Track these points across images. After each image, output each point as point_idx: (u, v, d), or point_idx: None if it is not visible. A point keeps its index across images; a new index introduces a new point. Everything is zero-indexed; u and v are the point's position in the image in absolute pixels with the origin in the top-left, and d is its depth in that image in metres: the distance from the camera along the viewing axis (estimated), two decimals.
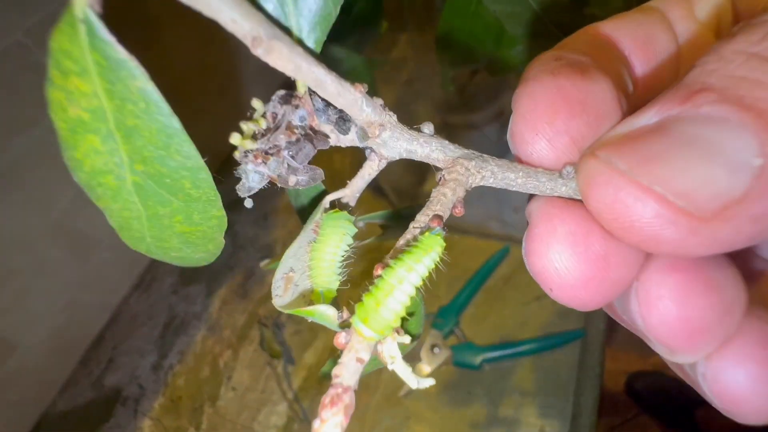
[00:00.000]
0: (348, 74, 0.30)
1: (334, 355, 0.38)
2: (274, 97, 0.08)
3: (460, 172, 0.09)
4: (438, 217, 0.09)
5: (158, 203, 0.08)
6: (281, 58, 0.07)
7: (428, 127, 0.09)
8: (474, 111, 0.42)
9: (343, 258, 0.09)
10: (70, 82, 0.06)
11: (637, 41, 0.10)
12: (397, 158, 0.09)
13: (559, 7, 0.20)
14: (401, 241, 0.09)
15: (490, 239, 0.43)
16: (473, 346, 0.36)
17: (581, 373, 0.33)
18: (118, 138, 0.07)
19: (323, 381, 0.40)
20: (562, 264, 0.08)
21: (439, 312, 0.39)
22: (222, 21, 0.07)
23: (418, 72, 0.53)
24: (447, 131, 0.50)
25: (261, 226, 0.58)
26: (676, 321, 0.07)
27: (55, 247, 0.50)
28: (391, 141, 0.08)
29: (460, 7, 0.23)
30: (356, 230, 0.10)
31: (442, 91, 0.44)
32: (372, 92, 0.31)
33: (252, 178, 0.08)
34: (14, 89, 0.45)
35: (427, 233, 0.08)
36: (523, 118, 0.08)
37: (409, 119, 0.43)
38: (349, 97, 0.08)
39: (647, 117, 0.06)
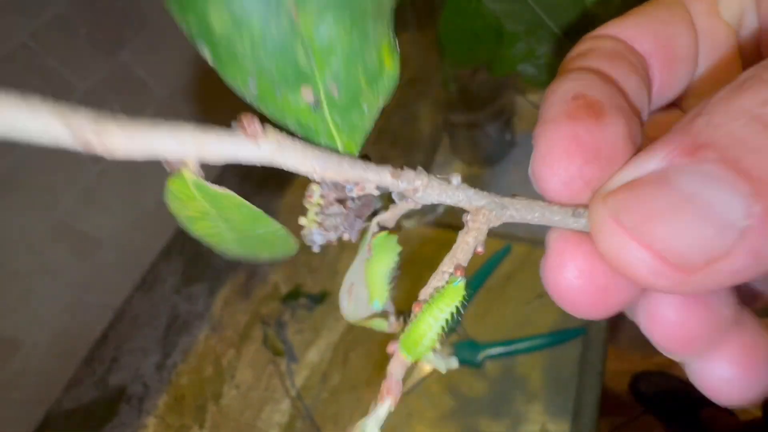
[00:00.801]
0: None
1: (335, 353, 0.39)
2: (325, 190, 0.10)
3: (482, 221, 0.10)
4: (460, 267, 0.10)
5: (248, 248, 0.09)
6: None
7: (456, 179, 0.10)
8: (475, 110, 0.43)
9: (392, 273, 0.12)
10: (184, 199, 0.07)
11: (658, 44, 0.10)
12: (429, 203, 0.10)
13: (559, 5, 0.20)
14: (429, 288, 0.10)
15: (491, 237, 0.43)
16: (475, 344, 0.36)
17: (583, 370, 0.33)
18: (221, 222, 0.09)
19: (326, 379, 0.41)
20: (571, 291, 0.09)
21: None
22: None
23: (420, 72, 0.53)
24: (449, 130, 0.50)
25: None
26: (674, 333, 0.08)
27: (59, 249, 0.50)
28: (424, 195, 0.09)
29: (460, 6, 0.23)
30: (401, 249, 0.12)
31: (444, 91, 0.45)
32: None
33: (316, 238, 0.10)
34: (19, 92, 0.45)
35: (450, 283, 0.10)
36: (543, 160, 0.08)
37: (412, 119, 0.43)
38: (388, 181, 0.08)
39: (654, 162, 0.07)
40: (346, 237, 0.10)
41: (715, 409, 0.94)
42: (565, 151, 0.08)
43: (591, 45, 0.10)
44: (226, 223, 0.10)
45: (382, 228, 0.11)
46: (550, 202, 0.09)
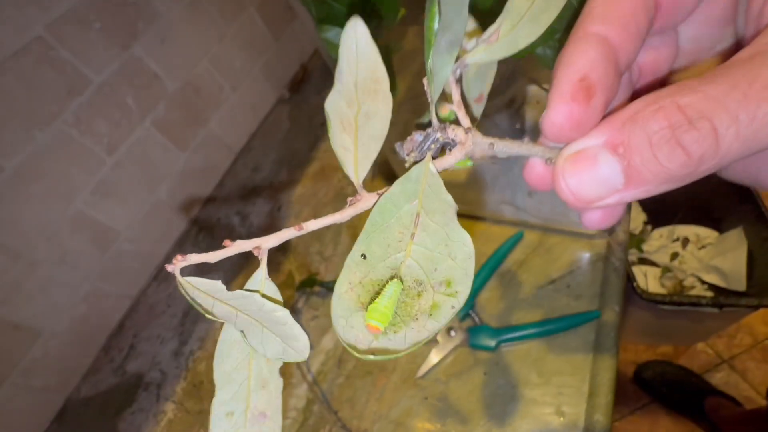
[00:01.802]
0: None
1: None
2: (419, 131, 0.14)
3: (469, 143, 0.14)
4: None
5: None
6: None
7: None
8: (489, 99, 0.43)
9: None
10: None
11: None
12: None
13: None
14: None
15: (503, 225, 0.43)
16: (488, 329, 0.37)
17: (597, 353, 0.34)
18: None
19: (341, 365, 0.41)
20: (537, 181, 0.15)
21: None
22: None
23: None
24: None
25: (275, 216, 0.59)
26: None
27: (77, 239, 0.51)
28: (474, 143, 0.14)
29: None
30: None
31: None
32: (391, 78, 0.32)
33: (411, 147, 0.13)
34: (35, 84, 0.46)
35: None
36: (550, 121, 0.12)
37: (421, 109, 0.43)
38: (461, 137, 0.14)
39: (593, 140, 0.11)
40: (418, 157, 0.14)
41: (720, 398, 0.95)
42: (562, 119, 0.12)
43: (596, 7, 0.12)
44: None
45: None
46: (534, 144, 0.14)
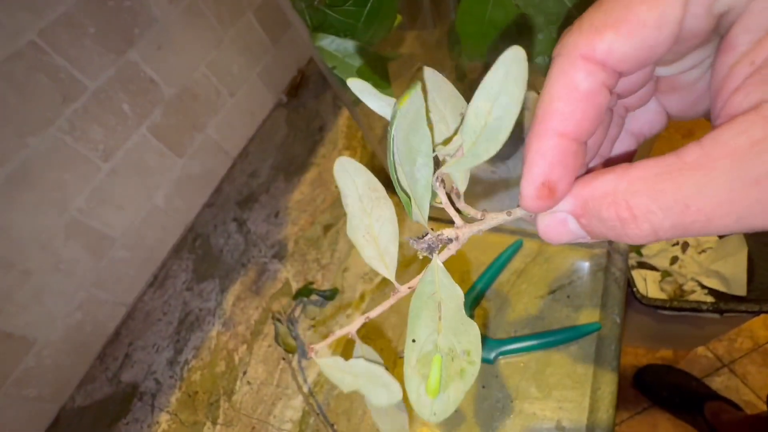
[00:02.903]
0: (362, 69, 0.30)
1: (346, 350, 0.39)
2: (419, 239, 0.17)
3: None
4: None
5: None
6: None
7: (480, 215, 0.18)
8: None
9: None
10: None
11: (633, 60, 0.13)
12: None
13: None
14: None
15: (502, 233, 0.43)
16: (488, 340, 0.36)
17: (598, 366, 0.33)
18: None
19: None
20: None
21: None
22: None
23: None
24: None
25: (273, 223, 0.59)
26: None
27: (72, 246, 0.51)
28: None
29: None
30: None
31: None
32: (388, 86, 0.31)
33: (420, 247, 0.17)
34: (28, 90, 0.45)
35: None
36: (526, 207, 0.15)
37: None
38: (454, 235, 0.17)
39: (561, 206, 0.14)
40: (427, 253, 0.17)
41: (720, 402, 0.94)
42: (535, 209, 0.14)
43: (571, 81, 0.13)
44: None
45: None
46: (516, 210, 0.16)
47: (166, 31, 0.57)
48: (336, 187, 0.61)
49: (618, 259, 0.38)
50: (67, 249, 0.51)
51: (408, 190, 0.16)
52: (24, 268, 0.47)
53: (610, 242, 0.39)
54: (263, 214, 0.61)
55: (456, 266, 0.43)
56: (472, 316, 0.38)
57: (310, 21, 0.28)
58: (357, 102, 0.34)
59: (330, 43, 0.28)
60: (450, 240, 0.17)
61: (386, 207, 0.18)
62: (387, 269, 0.18)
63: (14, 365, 0.48)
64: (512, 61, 0.13)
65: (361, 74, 0.29)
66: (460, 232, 0.17)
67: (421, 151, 0.15)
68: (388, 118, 0.15)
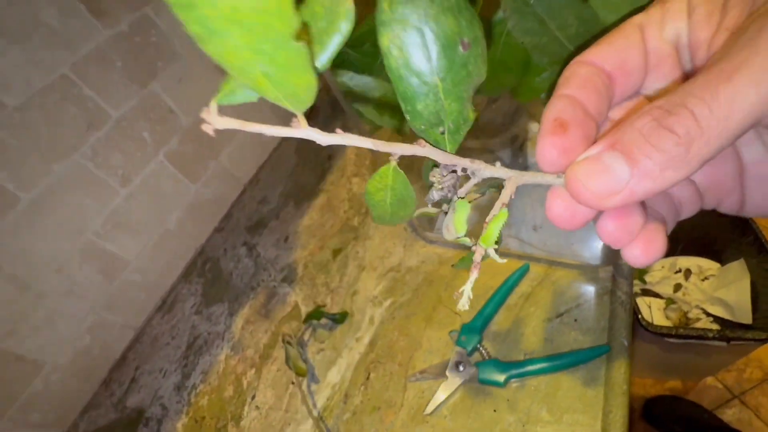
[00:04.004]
0: (380, 101, 0.32)
1: (356, 373, 0.39)
2: (443, 170, 0.18)
3: (510, 183, 0.17)
4: (504, 204, 0.17)
5: (393, 211, 0.19)
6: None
7: (498, 164, 0.18)
8: (490, 136, 0.45)
9: (467, 218, 0.18)
10: (379, 178, 0.17)
11: (617, 65, 0.16)
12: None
13: (583, 36, 0.22)
14: (492, 213, 0.17)
15: (509, 257, 0.44)
16: (498, 363, 0.36)
17: (608, 389, 0.33)
18: (389, 191, 0.18)
19: (347, 400, 0.41)
20: (558, 215, 0.17)
21: (463, 330, 0.39)
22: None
23: None
24: (464, 154, 0.52)
25: (282, 247, 0.60)
26: (611, 234, 0.16)
27: (87, 270, 0.52)
28: (482, 172, 0.18)
29: (491, 38, 0.26)
30: (470, 206, 0.19)
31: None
32: (400, 117, 0.34)
33: (435, 196, 0.18)
34: (58, 119, 0.48)
35: (501, 212, 0.17)
36: (541, 154, 0.15)
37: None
38: (467, 164, 0.18)
39: (596, 148, 0.14)
40: (449, 196, 0.18)
41: None
42: (549, 149, 0.15)
43: (572, 71, 0.16)
44: (391, 191, 0.18)
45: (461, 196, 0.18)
46: (545, 173, 0.16)
47: (186, 64, 0.60)
48: (344, 212, 0.62)
49: (623, 283, 0.39)
50: (82, 272, 0.52)
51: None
52: (39, 291, 0.48)
53: (615, 265, 0.40)
54: (273, 239, 0.62)
55: None
56: (481, 340, 0.39)
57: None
58: (373, 131, 0.36)
59: (350, 78, 0.31)
60: (467, 175, 0.18)
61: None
62: None
63: (23, 389, 0.48)
64: None
65: (377, 107, 0.32)
66: (477, 166, 0.17)
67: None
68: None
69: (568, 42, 0.21)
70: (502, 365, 0.36)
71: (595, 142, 0.14)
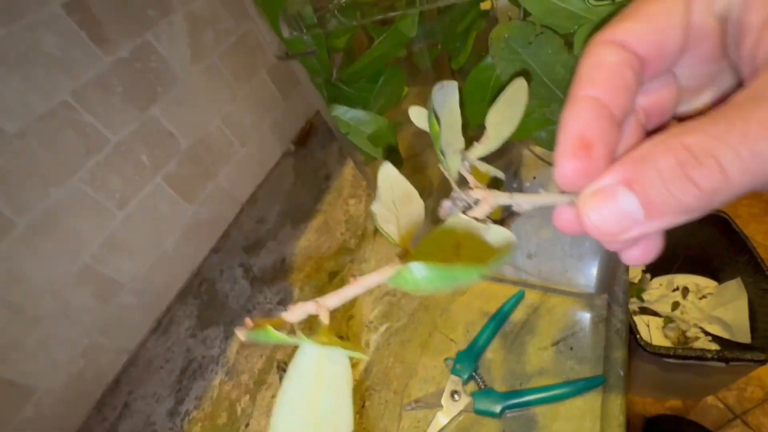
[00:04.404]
0: (374, 135, 0.33)
1: (352, 400, 0.38)
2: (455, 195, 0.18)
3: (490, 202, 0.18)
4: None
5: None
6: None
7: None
8: (486, 161, 0.45)
9: None
10: None
11: (653, 46, 0.14)
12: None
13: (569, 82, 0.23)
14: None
15: (504, 283, 0.44)
16: (493, 393, 0.36)
17: (605, 422, 0.33)
18: None
19: None
20: (565, 227, 0.17)
21: (458, 357, 0.39)
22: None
23: None
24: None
25: (278, 269, 0.60)
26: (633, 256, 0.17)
27: (82, 293, 0.51)
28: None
29: (480, 78, 0.26)
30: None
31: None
32: (395, 147, 0.34)
33: (449, 211, 0.18)
34: (56, 145, 0.48)
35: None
36: (560, 175, 0.14)
37: (421, 168, 0.46)
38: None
39: (609, 179, 0.13)
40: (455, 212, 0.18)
41: None
42: (570, 172, 0.14)
43: (598, 57, 0.14)
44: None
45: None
46: (552, 194, 0.16)
47: (186, 88, 0.61)
48: (341, 234, 0.62)
49: (618, 311, 0.39)
50: (77, 295, 0.51)
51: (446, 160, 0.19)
52: (34, 315, 0.48)
53: (609, 293, 0.40)
54: (270, 260, 0.62)
55: (461, 316, 0.44)
56: (477, 368, 0.39)
57: (327, 94, 0.31)
58: (368, 161, 0.36)
59: (345, 112, 0.31)
60: (477, 202, 0.17)
61: (416, 204, 0.19)
62: (397, 232, 0.19)
63: (13, 416, 0.47)
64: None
65: (372, 140, 0.32)
66: (489, 193, 0.17)
67: (451, 143, 0.19)
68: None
69: (556, 87, 0.22)
70: (498, 395, 0.36)
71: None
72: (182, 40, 0.60)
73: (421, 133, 0.64)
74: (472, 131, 0.45)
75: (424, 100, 0.58)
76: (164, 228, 0.61)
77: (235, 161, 0.71)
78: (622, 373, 0.35)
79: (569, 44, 0.20)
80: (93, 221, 0.52)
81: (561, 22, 0.19)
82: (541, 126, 0.26)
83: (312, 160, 0.77)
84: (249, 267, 0.63)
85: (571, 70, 0.21)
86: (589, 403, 0.34)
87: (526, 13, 0.20)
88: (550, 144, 0.27)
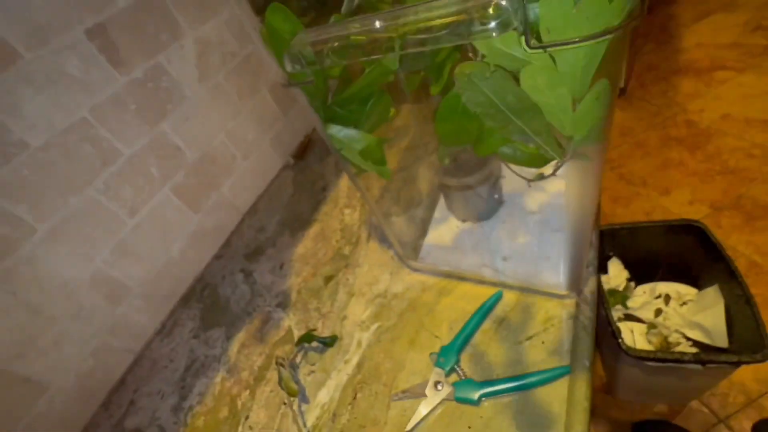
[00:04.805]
0: (364, 151, 0.38)
1: (344, 394, 0.43)
2: None
3: None
4: None
5: None
6: None
7: None
8: (467, 174, 0.50)
9: None
10: None
11: None
12: None
13: (525, 110, 0.28)
14: None
15: (485, 285, 0.48)
16: (472, 382, 0.40)
17: (571, 407, 0.37)
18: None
19: (335, 419, 0.44)
20: None
21: (441, 351, 0.43)
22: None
23: (418, 138, 0.61)
24: (444, 191, 0.57)
25: (277, 274, 0.64)
26: None
27: (93, 295, 0.55)
28: None
29: (451, 105, 0.31)
30: None
31: (440, 161, 0.52)
32: (384, 162, 0.40)
33: None
34: (75, 157, 0.52)
35: None
36: None
37: (412, 180, 0.51)
38: None
39: None
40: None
41: None
42: None
43: None
44: None
45: None
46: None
47: (193, 105, 0.66)
48: (336, 241, 0.66)
49: (586, 309, 0.43)
50: (89, 297, 0.55)
51: None
52: (49, 316, 0.51)
53: (579, 293, 0.44)
54: (269, 266, 0.66)
55: (446, 315, 0.48)
56: (458, 361, 0.43)
57: (323, 114, 0.36)
58: (359, 173, 0.41)
59: (338, 131, 0.36)
60: None
61: None
62: None
63: (27, 410, 0.50)
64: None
65: (362, 155, 0.37)
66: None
67: None
68: None
69: (509, 112, 0.26)
70: (476, 384, 0.40)
71: None
72: (191, 61, 0.65)
73: (411, 147, 0.68)
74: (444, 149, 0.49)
75: (410, 118, 0.62)
76: (171, 236, 0.65)
77: (238, 173, 0.76)
78: (587, 363, 0.39)
79: (517, 79, 0.25)
80: (106, 228, 0.56)
81: (508, 63, 0.23)
82: (502, 143, 0.30)
83: (310, 172, 0.82)
84: (249, 272, 0.67)
85: (520, 100, 0.26)
86: (557, 390, 0.38)
87: (484, 55, 0.25)
88: (512, 158, 0.32)
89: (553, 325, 0.43)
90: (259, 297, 0.62)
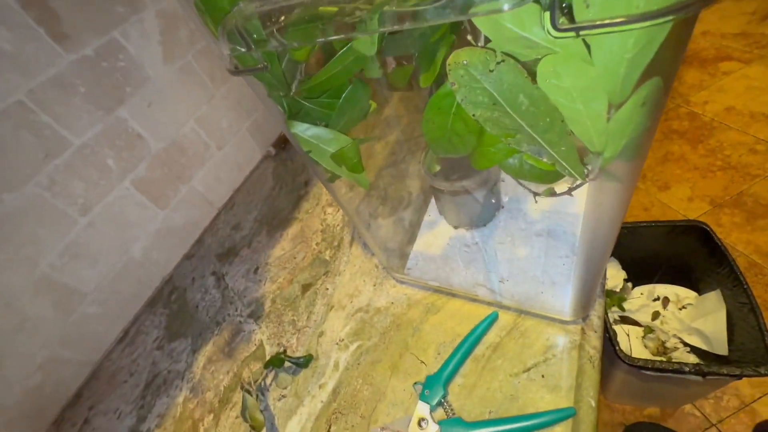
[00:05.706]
0: (337, 155, 0.31)
1: (317, 424, 0.37)
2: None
3: None
4: None
5: None
6: None
7: None
8: (462, 177, 0.44)
9: None
10: None
11: None
12: None
13: (538, 114, 0.21)
14: None
15: (478, 303, 0.43)
16: (461, 422, 0.35)
17: None
18: None
19: None
20: None
21: (427, 382, 0.38)
22: None
23: (408, 131, 0.54)
24: (435, 194, 0.51)
25: (251, 279, 0.58)
26: None
27: (38, 304, 0.49)
28: None
29: (440, 107, 0.25)
30: None
31: (435, 157, 0.46)
32: (361, 170, 0.32)
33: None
34: (10, 147, 0.45)
35: None
36: None
37: (401, 177, 0.44)
38: None
39: None
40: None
41: None
42: None
43: None
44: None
45: None
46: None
47: (157, 88, 0.58)
48: (317, 244, 0.60)
49: (592, 336, 0.38)
50: (34, 306, 0.49)
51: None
52: None
53: (584, 319, 0.39)
54: (243, 269, 0.60)
55: (433, 336, 0.42)
56: (446, 394, 0.37)
57: (287, 109, 0.29)
58: (332, 179, 0.35)
59: (305, 130, 0.29)
60: None
61: None
62: None
63: None
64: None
65: (335, 159, 0.30)
66: None
67: None
68: None
69: (519, 117, 0.20)
70: (466, 425, 0.35)
71: None
72: (154, 38, 0.57)
73: (402, 142, 0.61)
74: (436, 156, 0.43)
75: (399, 107, 0.55)
76: (131, 234, 0.58)
77: (212, 164, 0.69)
78: (593, 403, 0.34)
79: (533, 74, 0.18)
80: (52, 228, 0.50)
81: (521, 51, 0.17)
82: (506, 156, 0.24)
83: (292, 164, 0.75)
84: (221, 276, 0.61)
85: (535, 102, 0.19)
86: None
87: (487, 39, 0.18)
88: (519, 172, 0.26)
89: (554, 355, 0.38)
90: (230, 305, 0.56)
